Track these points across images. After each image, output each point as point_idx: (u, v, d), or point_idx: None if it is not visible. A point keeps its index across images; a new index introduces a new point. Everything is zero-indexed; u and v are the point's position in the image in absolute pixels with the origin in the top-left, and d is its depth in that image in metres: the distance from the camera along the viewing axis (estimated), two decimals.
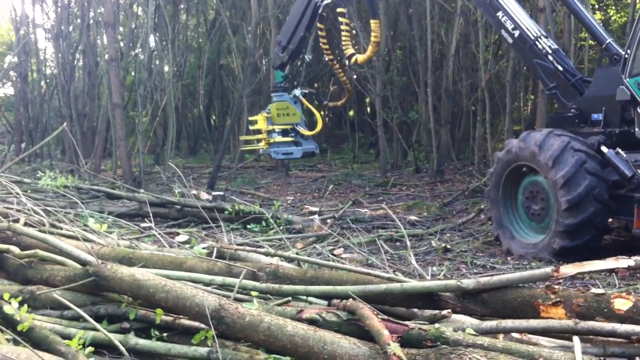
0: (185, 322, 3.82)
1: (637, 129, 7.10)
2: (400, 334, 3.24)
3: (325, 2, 9.54)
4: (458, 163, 16.67)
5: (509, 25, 8.39)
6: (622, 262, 3.60)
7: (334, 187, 13.26)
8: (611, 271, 5.37)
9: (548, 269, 3.64)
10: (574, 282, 5.86)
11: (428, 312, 3.81)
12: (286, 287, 4.09)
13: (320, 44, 10.27)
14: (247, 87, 15.47)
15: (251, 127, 10.55)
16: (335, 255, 6.91)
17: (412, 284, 3.92)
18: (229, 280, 4.24)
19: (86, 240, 5.13)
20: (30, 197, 7.35)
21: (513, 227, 7.69)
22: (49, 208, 6.82)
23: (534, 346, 3.20)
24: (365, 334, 3.32)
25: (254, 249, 5.48)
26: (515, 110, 16.57)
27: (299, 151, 10.22)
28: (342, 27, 9.55)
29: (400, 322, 3.38)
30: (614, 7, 17.98)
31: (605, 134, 7.45)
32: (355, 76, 15.12)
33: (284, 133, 10.14)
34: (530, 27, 8.38)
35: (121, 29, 18.84)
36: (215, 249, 5.07)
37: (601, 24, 10.20)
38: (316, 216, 9.35)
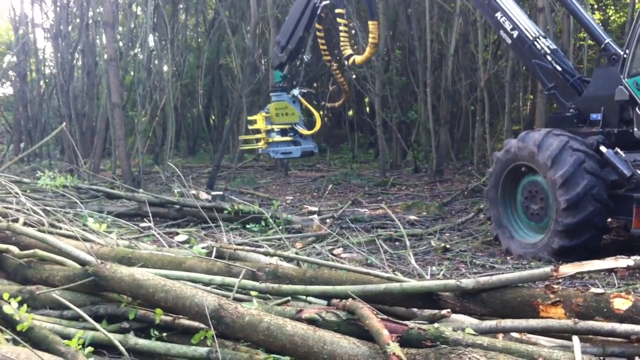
0: (185, 322, 3.81)
1: (635, 129, 7.10)
2: (399, 333, 3.24)
3: (324, 2, 9.55)
4: (457, 163, 16.67)
5: (508, 25, 8.40)
6: (621, 261, 3.60)
7: (333, 186, 13.26)
8: (610, 271, 5.39)
9: (547, 269, 3.65)
10: (573, 282, 5.87)
11: (427, 312, 3.81)
12: (285, 287, 4.09)
13: (319, 45, 10.28)
14: (246, 87, 15.47)
15: (250, 127, 10.56)
16: (334, 255, 6.91)
17: (412, 283, 3.92)
18: (228, 280, 4.23)
19: (85, 240, 5.13)
20: (30, 197, 7.33)
21: (512, 226, 7.70)
22: (48, 208, 6.81)
23: (534, 346, 3.20)
24: (364, 334, 3.32)
25: (253, 248, 5.48)
26: (514, 110, 16.59)
27: (297, 151, 10.22)
28: (341, 28, 9.57)
29: (400, 321, 3.38)
30: (612, 7, 17.98)
31: (604, 133, 7.45)
32: (354, 76, 15.16)
33: (283, 132, 10.14)
34: (529, 27, 8.38)
35: (120, 28, 18.83)
36: (214, 249, 5.07)
37: (600, 24, 10.22)
38: (315, 216, 9.35)
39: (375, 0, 10.53)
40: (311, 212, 10.01)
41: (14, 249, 4.81)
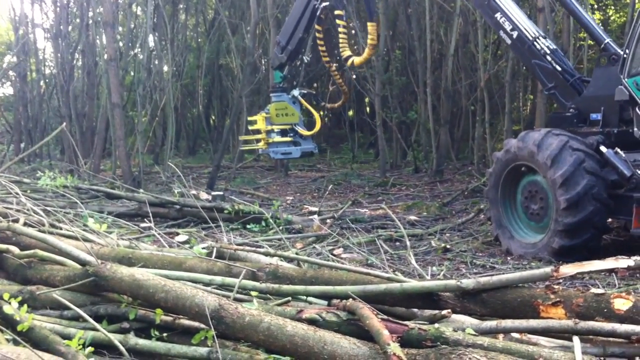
0: (185, 322, 3.81)
1: (635, 129, 7.10)
2: (400, 334, 3.24)
3: (323, 4, 9.55)
4: (457, 163, 16.67)
5: (508, 26, 8.40)
6: (622, 262, 3.60)
7: (333, 187, 13.26)
8: (611, 271, 5.38)
9: (548, 269, 3.65)
10: (574, 282, 5.87)
11: (428, 312, 3.81)
12: (286, 287, 4.09)
13: (318, 46, 10.29)
14: (246, 87, 15.47)
15: (250, 127, 10.56)
16: (334, 255, 6.91)
17: (412, 283, 3.92)
18: (229, 280, 4.23)
19: (86, 240, 5.13)
20: (30, 197, 7.34)
21: (512, 226, 7.70)
22: (48, 208, 6.81)
23: (534, 346, 3.20)
24: (365, 334, 3.32)
25: (253, 249, 5.48)
26: (514, 110, 16.59)
27: (297, 151, 10.23)
28: (340, 29, 9.58)
29: (400, 322, 3.38)
30: (612, 7, 17.99)
31: (604, 133, 7.45)
32: (354, 76, 15.16)
33: (283, 133, 10.15)
34: (529, 27, 8.39)
35: (120, 28, 18.84)
36: (214, 249, 5.07)
37: (600, 24, 10.22)
38: (316, 216, 9.35)
39: (374, 1, 10.52)
40: (311, 213, 10.01)
41: (15, 249, 4.81)
